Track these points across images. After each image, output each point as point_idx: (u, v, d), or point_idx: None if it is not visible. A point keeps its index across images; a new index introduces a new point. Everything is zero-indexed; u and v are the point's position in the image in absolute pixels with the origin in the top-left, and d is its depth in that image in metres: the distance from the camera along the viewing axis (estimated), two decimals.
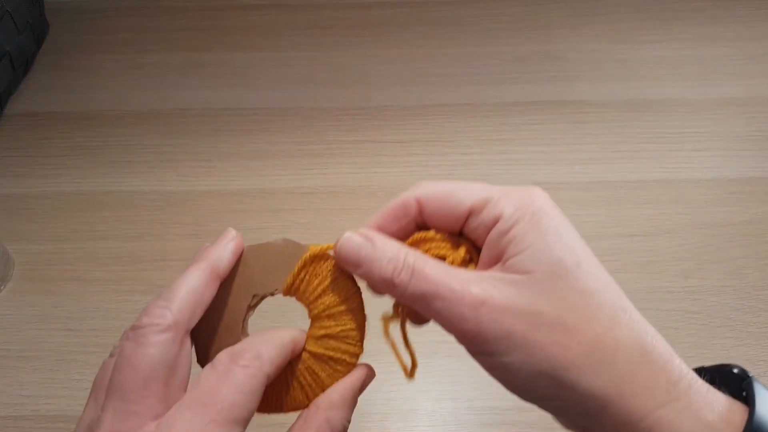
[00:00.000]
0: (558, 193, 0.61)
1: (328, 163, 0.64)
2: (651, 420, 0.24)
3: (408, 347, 0.30)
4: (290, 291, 0.30)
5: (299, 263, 0.30)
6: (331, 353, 0.29)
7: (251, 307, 0.30)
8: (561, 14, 0.80)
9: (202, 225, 0.59)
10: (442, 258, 0.28)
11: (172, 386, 0.25)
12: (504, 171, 0.63)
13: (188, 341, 0.27)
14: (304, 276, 0.30)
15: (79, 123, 0.68)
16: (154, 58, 0.75)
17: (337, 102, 0.70)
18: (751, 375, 0.26)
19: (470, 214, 0.27)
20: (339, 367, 0.29)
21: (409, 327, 0.30)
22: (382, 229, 0.28)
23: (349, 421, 0.28)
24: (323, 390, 0.28)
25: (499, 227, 0.26)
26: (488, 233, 0.27)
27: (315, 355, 0.29)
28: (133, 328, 0.26)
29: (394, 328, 0.29)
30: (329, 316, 0.29)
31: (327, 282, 0.29)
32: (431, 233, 0.28)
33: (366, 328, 0.29)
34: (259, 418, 0.26)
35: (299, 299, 0.30)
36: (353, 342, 0.29)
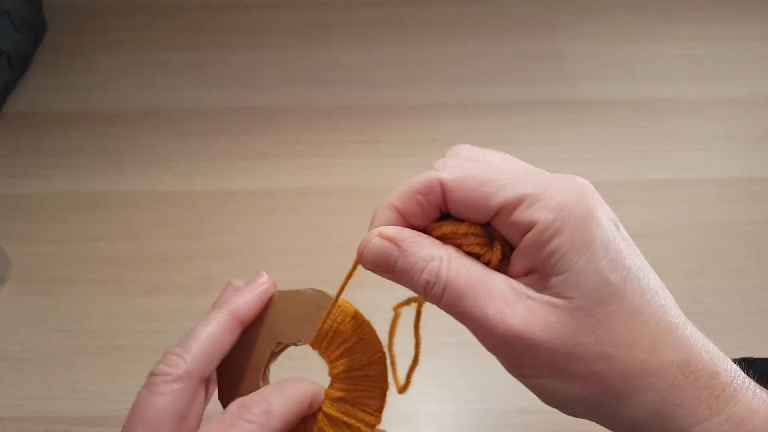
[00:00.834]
0: None
1: (328, 163, 0.64)
2: None
3: (417, 336, 0.28)
4: (314, 345, 0.29)
5: (324, 318, 0.28)
6: (346, 419, 0.28)
7: (275, 354, 0.29)
8: (562, 14, 0.79)
9: (201, 225, 0.59)
10: (477, 256, 0.25)
11: None
12: None
13: (202, 389, 0.27)
14: (328, 332, 0.28)
15: (78, 122, 0.68)
16: (153, 58, 0.75)
17: (337, 102, 0.69)
18: None
19: (500, 211, 0.24)
20: None
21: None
22: (404, 214, 0.26)
23: None
24: None
25: (535, 237, 0.23)
26: (521, 237, 0.24)
27: (329, 418, 0.28)
28: (150, 374, 0.26)
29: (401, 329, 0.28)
30: (348, 379, 0.28)
31: (350, 343, 0.28)
32: (464, 227, 0.25)
33: (387, 397, 0.28)
34: None
35: (321, 355, 0.29)
36: (371, 411, 0.28)
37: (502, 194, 0.24)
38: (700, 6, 0.79)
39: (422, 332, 0.29)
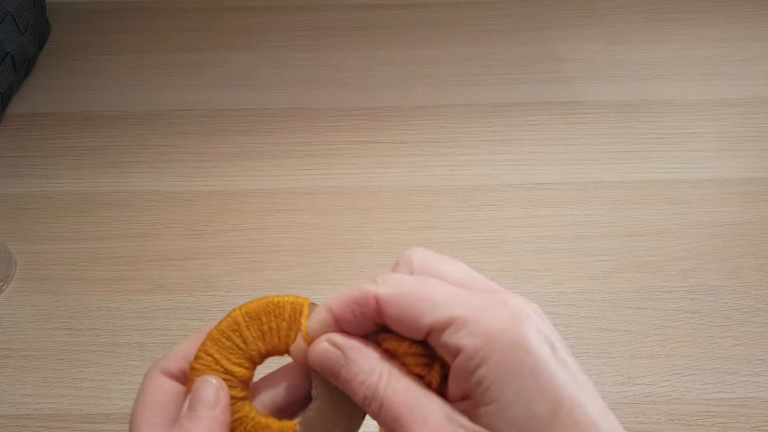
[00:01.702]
0: (557, 193, 0.62)
1: (328, 164, 0.64)
2: None
3: None
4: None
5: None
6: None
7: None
8: (560, 15, 0.80)
9: (202, 225, 0.59)
10: (420, 376, 0.24)
11: None
12: (503, 171, 0.63)
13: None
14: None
15: (81, 123, 0.68)
16: (155, 59, 0.75)
17: (338, 102, 0.70)
18: None
19: (430, 332, 0.24)
20: None
21: None
22: (337, 320, 0.25)
23: None
24: None
25: (462, 364, 0.23)
26: (452, 361, 0.23)
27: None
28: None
29: None
30: None
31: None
32: (405, 346, 0.25)
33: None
34: None
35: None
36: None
37: (432, 315, 0.23)
38: (696, 8, 0.80)
39: None
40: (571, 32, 0.78)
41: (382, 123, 0.68)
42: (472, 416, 0.23)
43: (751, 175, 0.62)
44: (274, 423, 0.27)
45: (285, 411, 0.28)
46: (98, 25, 0.80)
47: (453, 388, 0.24)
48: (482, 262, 0.56)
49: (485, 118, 0.68)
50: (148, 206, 0.61)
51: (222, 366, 0.27)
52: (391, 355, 0.25)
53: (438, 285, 0.24)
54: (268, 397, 0.28)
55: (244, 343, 0.27)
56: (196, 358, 0.27)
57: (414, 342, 0.24)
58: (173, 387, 0.27)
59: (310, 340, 0.26)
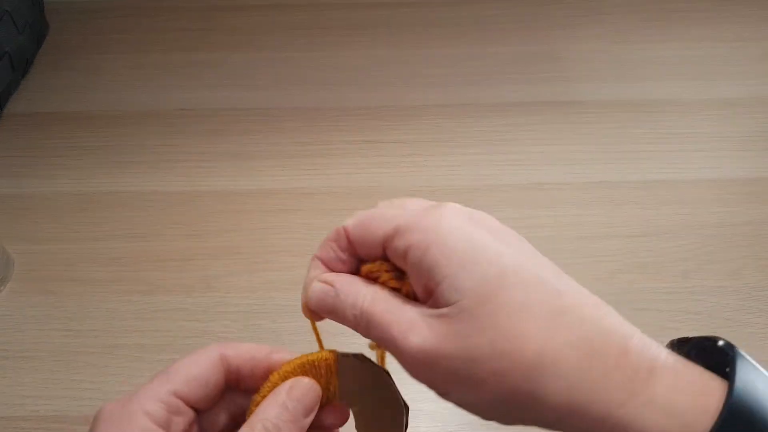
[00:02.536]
0: (558, 193, 0.62)
1: (328, 164, 0.64)
2: (612, 422, 0.22)
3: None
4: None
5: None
6: None
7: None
8: (560, 15, 0.80)
9: (202, 225, 0.59)
10: (397, 290, 0.27)
11: None
12: (504, 171, 0.63)
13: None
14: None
15: (79, 123, 0.68)
16: (154, 59, 0.75)
17: (337, 102, 0.70)
18: (735, 350, 0.23)
19: (385, 244, 0.27)
20: None
21: None
22: (325, 262, 0.29)
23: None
24: None
25: (412, 260, 0.25)
26: (405, 264, 0.26)
27: None
28: None
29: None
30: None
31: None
32: (377, 264, 0.28)
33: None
34: None
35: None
36: None
37: (382, 229, 0.27)
38: (697, 7, 0.80)
39: None
40: (572, 32, 0.77)
41: (382, 123, 0.68)
42: (434, 306, 0.25)
43: (753, 175, 0.62)
44: None
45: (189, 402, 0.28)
46: (97, 24, 0.80)
47: (417, 288, 0.26)
48: None
49: (485, 117, 0.68)
50: (147, 206, 0.60)
51: None
52: (371, 279, 0.28)
53: (389, 208, 0.28)
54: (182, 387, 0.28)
55: None
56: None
57: (385, 261, 0.28)
58: (221, 376, 0.28)
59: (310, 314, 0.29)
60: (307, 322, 0.30)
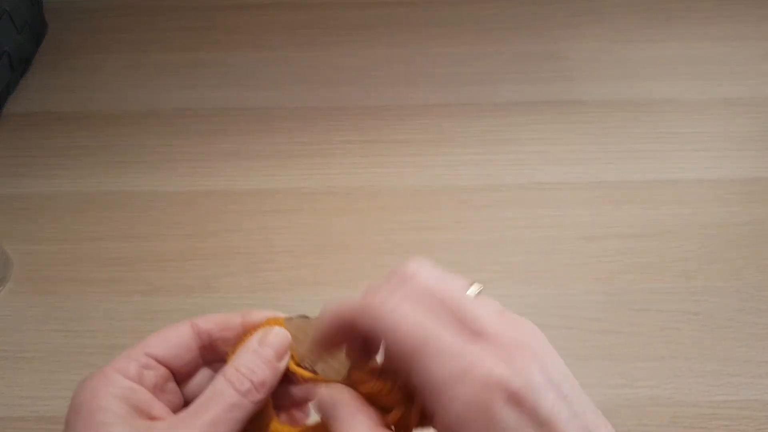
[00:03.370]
0: (558, 193, 0.61)
1: (328, 163, 0.64)
2: None
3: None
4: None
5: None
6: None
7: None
8: (561, 14, 0.80)
9: (202, 225, 0.59)
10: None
11: None
12: (504, 171, 0.63)
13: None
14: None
15: (78, 123, 0.68)
16: (153, 58, 0.75)
17: (337, 102, 0.70)
18: None
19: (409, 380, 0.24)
20: None
21: None
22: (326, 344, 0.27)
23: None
24: None
25: (437, 426, 0.23)
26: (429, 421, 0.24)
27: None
28: None
29: None
30: None
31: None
32: (378, 384, 0.26)
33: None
34: None
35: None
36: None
37: (417, 367, 0.23)
38: (699, 6, 0.80)
39: None
40: (573, 31, 0.77)
41: (382, 122, 0.68)
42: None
43: (755, 175, 0.62)
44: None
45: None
46: (96, 23, 0.79)
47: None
48: (483, 263, 0.55)
49: (486, 117, 0.68)
50: (147, 206, 0.60)
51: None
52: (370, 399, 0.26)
53: (431, 334, 0.23)
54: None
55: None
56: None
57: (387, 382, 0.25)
58: (192, 339, 0.29)
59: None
60: None
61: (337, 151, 0.65)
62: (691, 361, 0.49)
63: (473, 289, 0.25)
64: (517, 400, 0.21)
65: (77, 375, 0.49)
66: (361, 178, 0.62)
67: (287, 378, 0.29)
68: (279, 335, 0.29)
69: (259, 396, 0.27)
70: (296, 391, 0.30)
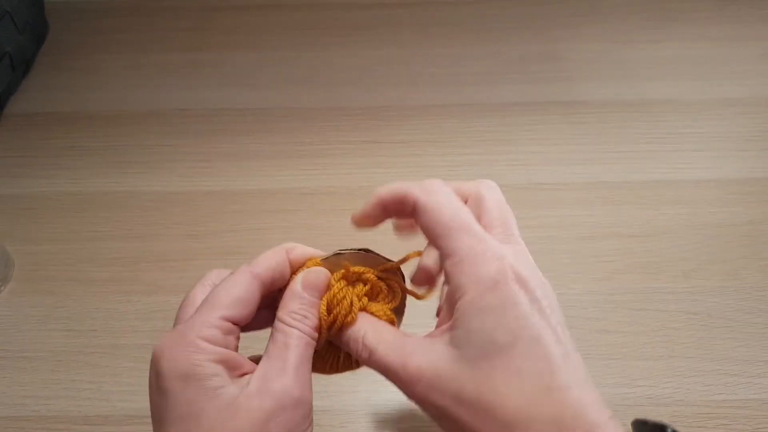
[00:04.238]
0: (558, 193, 0.61)
1: (328, 164, 0.64)
2: None
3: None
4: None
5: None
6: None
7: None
8: (561, 14, 0.80)
9: (202, 225, 0.59)
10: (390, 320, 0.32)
11: None
12: (504, 171, 0.63)
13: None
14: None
15: (79, 123, 0.68)
16: (153, 58, 0.75)
17: (337, 102, 0.70)
18: None
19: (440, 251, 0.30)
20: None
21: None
22: (385, 205, 0.34)
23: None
24: None
25: (450, 293, 0.28)
26: (446, 284, 0.29)
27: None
28: None
29: None
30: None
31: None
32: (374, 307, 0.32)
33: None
34: None
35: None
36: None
37: (444, 240, 0.30)
38: (698, 7, 0.80)
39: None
40: (572, 31, 0.77)
41: (382, 123, 0.68)
42: (447, 328, 0.28)
43: (753, 176, 0.62)
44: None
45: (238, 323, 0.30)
46: (97, 24, 0.80)
47: (444, 311, 0.29)
48: None
49: (486, 117, 0.68)
50: (147, 206, 0.60)
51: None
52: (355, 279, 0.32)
53: (467, 218, 0.30)
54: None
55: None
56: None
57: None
58: (257, 290, 0.30)
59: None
60: None
61: (337, 151, 0.65)
62: (690, 361, 0.50)
63: None
64: (521, 280, 0.28)
65: (78, 374, 0.49)
66: (361, 178, 0.63)
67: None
68: (320, 274, 0.32)
69: (315, 334, 0.30)
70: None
